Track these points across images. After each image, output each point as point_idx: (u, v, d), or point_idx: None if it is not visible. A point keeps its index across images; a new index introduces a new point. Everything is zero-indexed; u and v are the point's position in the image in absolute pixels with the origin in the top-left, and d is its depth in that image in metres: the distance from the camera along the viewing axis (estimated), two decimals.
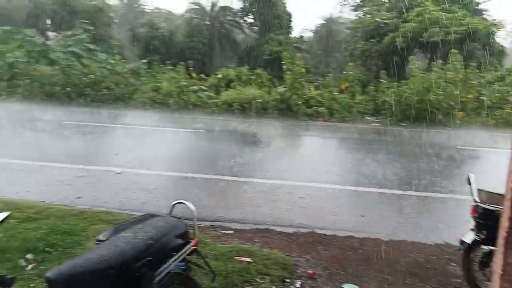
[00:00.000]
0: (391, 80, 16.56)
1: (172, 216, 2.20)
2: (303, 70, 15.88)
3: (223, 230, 4.40)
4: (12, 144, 8.55)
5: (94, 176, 6.32)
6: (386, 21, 23.00)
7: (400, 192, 6.17)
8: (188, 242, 2.09)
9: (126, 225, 2.02)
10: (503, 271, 2.29)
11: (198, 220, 4.39)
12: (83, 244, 3.67)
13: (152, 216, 2.17)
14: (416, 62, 16.28)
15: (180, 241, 2.05)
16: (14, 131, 10.39)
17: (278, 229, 4.54)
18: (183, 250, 2.02)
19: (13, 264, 3.30)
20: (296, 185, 6.31)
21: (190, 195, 5.63)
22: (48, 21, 28.33)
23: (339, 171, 7.66)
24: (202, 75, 18.96)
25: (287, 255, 3.82)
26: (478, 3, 23.85)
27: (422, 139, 12.20)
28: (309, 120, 14.66)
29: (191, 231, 2.13)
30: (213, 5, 29.35)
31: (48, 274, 1.53)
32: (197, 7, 29.44)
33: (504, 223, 2.25)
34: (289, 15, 28.54)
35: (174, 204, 2.26)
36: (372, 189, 6.27)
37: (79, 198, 5.16)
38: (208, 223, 4.52)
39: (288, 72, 15.59)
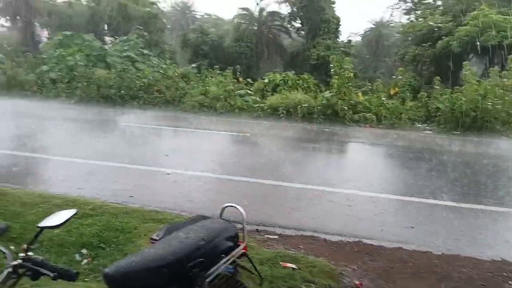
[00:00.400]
0: (445, 86, 15.87)
1: (223, 219, 2.23)
2: (351, 74, 15.59)
3: (268, 234, 4.40)
4: (71, 144, 9.12)
5: (145, 176, 6.58)
6: (440, 25, 22.08)
7: (453, 204, 5.88)
8: (237, 245, 2.11)
9: (178, 225, 2.08)
10: None
11: None
12: (134, 242, 3.82)
13: (203, 217, 2.22)
14: (470, 68, 15.45)
15: (230, 244, 2.06)
16: (74, 131, 11.07)
17: (324, 236, 4.48)
18: (233, 253, 2.04)
19: (69, 258, 3.49)
20: (342, 192, 6.21)
21: (235, 198, 5.69)
22: (106, 27, 29.99)
23: (388, 180, 7.46)
24: (249, 80, 19.22)
25: (333, 264, 3.76)
26: None
27: (477, 148, 11.59)
28: (356, 126, 14.37)
29: (240, 234, 2.15)
30: (261, 10, 29.69)
31: (106, 270, 1.61)
32: (245, 12, 29.89)
33: None
34: (338, 19, 28.18)
35: (225, 207, 2.29)
36: (423, 200, 6.02)
37: (131, 196, 5.39)
38: (253, 227, 4.54)
39: (336, 77, 15.37)
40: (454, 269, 3.83)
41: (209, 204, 5.19)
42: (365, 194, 6.18)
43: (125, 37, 23.16)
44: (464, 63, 16.06)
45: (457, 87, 15.27)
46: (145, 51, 22.25)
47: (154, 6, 31.06)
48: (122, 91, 17.05)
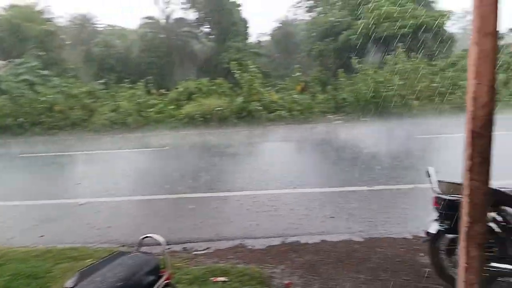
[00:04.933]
0: (348, 78, 17.02)
1: (141, 252, 2.16)
2: (258, 75, 16.04)
3: (196, 251, 4.34)
4: None
5: (56, 210, 6.06)
6: (340, 19, 23.60)
7: (367, 188, 6.32)
8: (160, 277, 2.06)
9: (93, 268, 1.95)
10: (467, 264, 2.38)
11: (168, 245, 4.31)
12: (50, 287, 3.51)
13: (119, 254, 2.12)
14: (358, 60, 16.83)
15: (152, 277, 2.01)
16: None
17: (252, 242, 4.52)
18: (156, 286, 1.99)
19: None
20: (265, 194, 6.33)
21: (157, 219, 5.53)
22: None
23: (306, 174, 7.74)
24: (162, 90, 18.79)
25: (262, 268, 3.82)
26: None
27: (382, 132, 12.56)
28: (272, 125, 14.78)
29: (164, 263, 2.10)
30: (168, 17, 29.13)
31: None
32: (151, 21, 29.12)
33: (464, 218, 2.36)
34: (245, 21, 28.77)
35: (142, 239, 2.22)
36: (340, 189, 6.38)
37: (42, 236, 4.94)
38: (179, 246, 4.44)
39: (243, 80, 15.73)
40: (372, 251, 4.10)
41: (130, 232, 4.95)
42: (287, 191, 6.38)
43: (20, 60, 21.18)
44: (353, 58, 17.44)
45: (361, 76, 16.49)
46: (45, 72, 20.58)
47: (50, 22, 28.85)
48: (20, 119, 15.54)
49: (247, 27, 28.97)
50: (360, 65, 16.60)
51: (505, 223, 3.11)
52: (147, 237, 2.19)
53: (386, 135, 12.00)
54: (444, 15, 21.70)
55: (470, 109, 2.20)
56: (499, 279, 3.23)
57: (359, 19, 22.02)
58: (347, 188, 6.41)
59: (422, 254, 3.89)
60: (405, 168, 7.48)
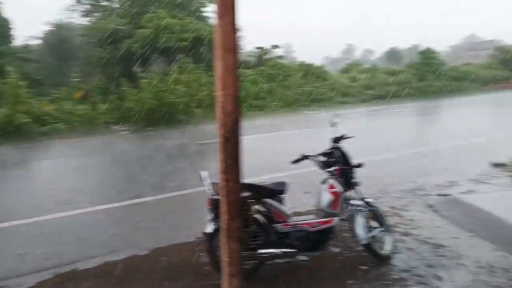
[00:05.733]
0: (132, 87, 16.73)
1: None
2: (22, 83, 13.99)
3: None
4: None
5: None
6: (120, 27, 22.85)
7: (151, 198, 6.27)
8: None
9: None
10: (229, 258, 2.61)
11: None
12: None
13: None
14: (140, 69, 16.96)
15: None
16: None
17: (17, 281, 3.78)
18: None
19: None
20: (36, 221, 5.46)
21: None
22: None
23: (87, 192, 7.07)
24: None
25: None
26: (201, 10, 26.66)
27: (167, 140, 12.81)
28: (47, 139, 13.05)
29: None
30: None
31: None
32: None
33: (223, 217, 2.57)
34: (8, 22, 24.60)
35: None
36: (124, 203, 6.11)
37: None
38: None
39: (5, 88, 13.46)
40: (157, 261, 4.07)
41: None
42: (59, 215, 5.64)
43: None
44: (135, 69, 17.41)
45: (144, 85, 16.42)
46: None
47: None
48: None
49: (11, 28, 24.87)
50: (144, 74, 16.56)
51: (267, 213, 3.59)
52: None
53: (171, 143, 12.24)
54: None
55: (220, 116, 2.43)
56: (268, 262, 3.70)
57: (140, 28, 21.92)
58: (131, 201, 6.19)
59: (203, 254, 4.06)
60: (187, 174, 7.76)
